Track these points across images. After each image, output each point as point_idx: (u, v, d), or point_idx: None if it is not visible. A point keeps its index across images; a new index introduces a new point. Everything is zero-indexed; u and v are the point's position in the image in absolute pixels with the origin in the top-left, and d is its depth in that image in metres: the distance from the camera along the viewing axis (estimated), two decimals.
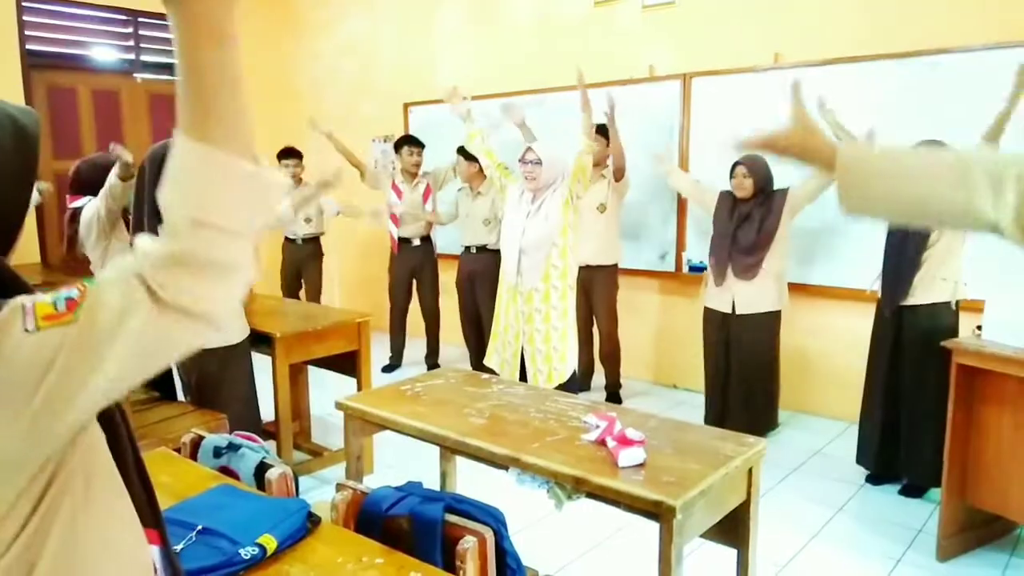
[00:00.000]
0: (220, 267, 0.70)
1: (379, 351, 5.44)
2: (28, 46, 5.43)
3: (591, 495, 1.82)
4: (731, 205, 3.77)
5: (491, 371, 3.46)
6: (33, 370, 0.69)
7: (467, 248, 4.92)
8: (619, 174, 4.28)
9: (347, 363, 3.51)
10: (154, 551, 0.91)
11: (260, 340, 3.23)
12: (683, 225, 4.67)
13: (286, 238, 5.61)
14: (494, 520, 1.47)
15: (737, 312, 3.74)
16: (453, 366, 5.12)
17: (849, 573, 2.70)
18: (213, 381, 3.05)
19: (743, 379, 3.80)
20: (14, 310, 0.70)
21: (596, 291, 4.51)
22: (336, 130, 5.12)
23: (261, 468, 1.70)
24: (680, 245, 4.71)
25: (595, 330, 4.66)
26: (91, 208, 3.22)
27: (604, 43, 4.94)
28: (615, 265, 4.52)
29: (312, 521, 1.48)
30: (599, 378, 4.78)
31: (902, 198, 1.01)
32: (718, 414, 3.93)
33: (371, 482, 3.15)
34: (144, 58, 6.10)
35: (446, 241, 5.56)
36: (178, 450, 1.94)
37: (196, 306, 0.70)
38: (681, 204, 4.66)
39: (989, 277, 3.40)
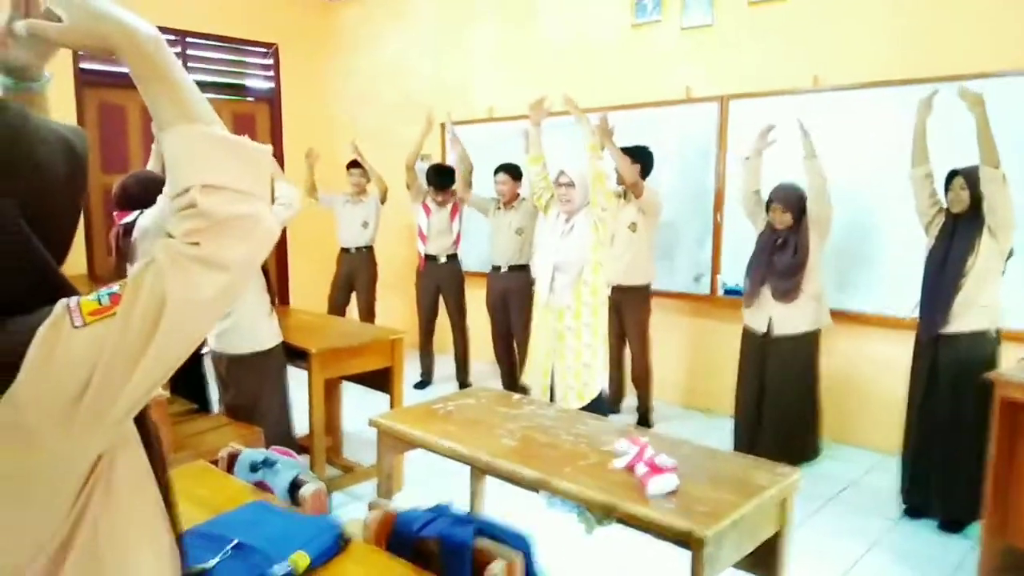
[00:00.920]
0: (238, 221, 0.77)
1: (411, 368, 5.49)
2: (81, 64, 5.63)
3: (621, 521, 1.82)
4: (771, 233, 3.74)
5: (523, 390, 3.47)
6: (84, 367, 0.72)
7: (496, 268, 4.95)
8: (636, 191, 4.26)
9: (381, 379, 3.55)
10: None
11: (297, 355, 3.28)
12: (718, 247, 4.64)
13: (342, 248, 5.64)
14: (524, 544, 1.47)
15: (774, 333, 3.70)
16: (483, 384, 5.20)
17: None
18: (248, 394, 3.11)
19: (777, 403, 3.74)
20: (63, 310, 0.73)
21: (627, 312, 4.49)
22: (366, 147, 5.40)
23: (295, 484, 1.73)
24: (715, 267, 4.68)
25: (626, 351, 4.64)
26: (148, 217, 3.31)
27: (641, 65, 4.96)
28: (648, 286, 4.50)
29: (344, 540, 1.50)
30: (630, 400, 4.75)
31: None
32: (748, 439, 3.88)
33: (401, 499, 3.20)
34: (192, 77, 6.25)
35: (475, 260, 5.60)
36: (216, 462, 1.98)
37: (220, 254, 0.75)
38: (716, 226, 4.63)
39: None
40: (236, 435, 2.98)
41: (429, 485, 3.42)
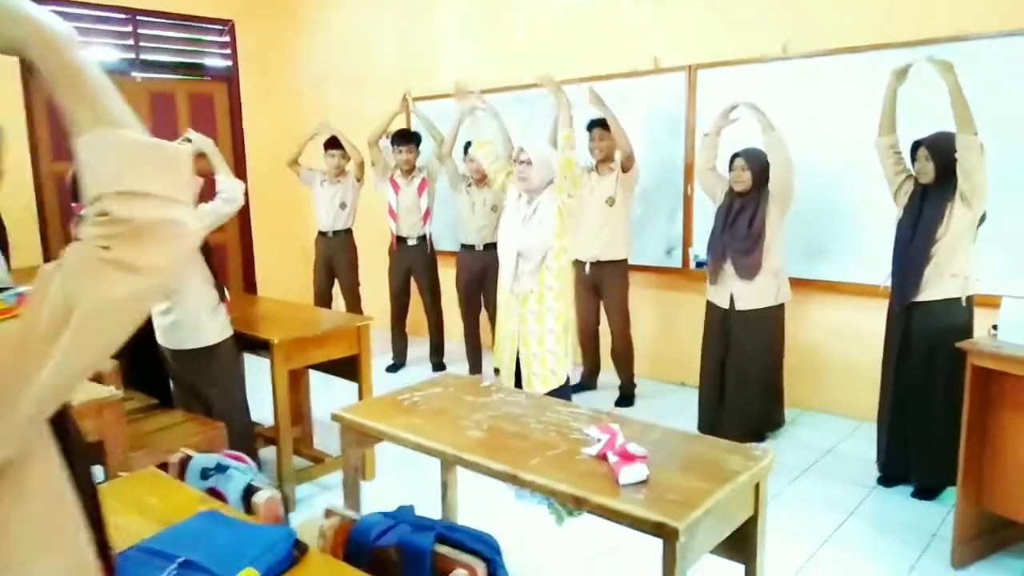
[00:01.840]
0: (155, 226, 0.72)
1: (386, 349, 5.41)
2: None
3: (592, 512, 1.76)
4: (730, 201, 3.70)
5: (496, 371, 3.40)
6: None
7: (469, 247, 4.85)
8: (627, 163, 4.18)
9: (349, 367, 3.45)
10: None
11: (259, 346, 3.18)
12: (690, 220, 4.58)
13: (319, 232, 5.43)
14: (488, 548, 1.40)
15: (736, 308, 3.68)
16: (459, 365, 5.13)
17: None
18: (198, 390, 3.02)
19: (741, 377, 3.73)
20: None
21: (606, 287, 4.43)
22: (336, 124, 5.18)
23: (249, 490, 1.65)
24: (687, 240, 4.62)
25: (604, 326, 4.59)
26: None
27: (607, 34, 4.84)
28: (625, 260, 4.43)
29: (299, 550, 1.42)
30: (606, 376, 4.71)
31: None
32: (712, 413, 3.88)
33: (371, 489, 3.13)
34: (144, 57, 6.05)
35: (447, 240, 5.48)
36: (166, 466, 1.89)
37: (140, 260, 0.71)
38: (687, 198, 4.57)
39: (997, 270, 3.33)
40: (195, 432, 2.89)
41: (401, 474, 3.36)
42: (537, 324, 3.14)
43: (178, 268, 0.77)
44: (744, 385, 3.73)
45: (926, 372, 3.07)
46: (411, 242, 5.14)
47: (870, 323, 3.67)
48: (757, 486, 1.88)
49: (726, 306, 3.72)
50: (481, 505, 2.83)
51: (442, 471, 2.62)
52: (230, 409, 3.08)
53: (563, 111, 3.25)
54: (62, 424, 0.81)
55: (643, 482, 1.77)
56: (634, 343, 4.56)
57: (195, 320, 2.93)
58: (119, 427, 2.56)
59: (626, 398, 4.53)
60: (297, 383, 3.85)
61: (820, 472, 3.50)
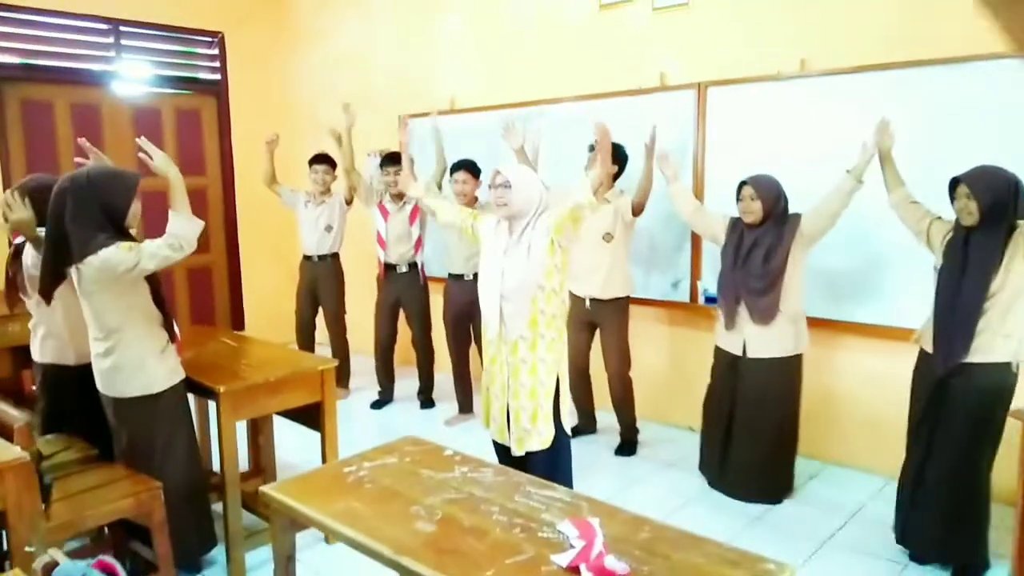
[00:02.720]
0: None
1: (372, 383, 5.04)
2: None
3: None
4: (739, 235, 3.31)
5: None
6: None
7: (458, 276, 4.47)
8: (638, 209, 3.82)
9: (314, 415, 3.08)
10: None
11: (206, 393, 2.83)
12: (698, 250, 4.19)
13: (304, 256, 5.05)
14: None
15: (748, 355, 3.29)
16: (445, 405, 4.74)
17: None
18: (141, 441, 2.67)
19: (750, 431, 3.34)
20: None
21: (604, 327, 4.03)
22: (326, 145, 4.82)
23: None
24: (695, 272, 4.23)
25: (597, 366, 4.19)
26: (30, 256, 2.83)
27: (611, 50, 4.49)
28: (626, 298, 4.03)
29: None
30: (607, 418, 4.31)
31: None
32: (713, 469, 3.51)
33: (334, 554, 2.71)
34: (127, 69, 5.76)
35: (437, 267, 5.11)
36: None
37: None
38: None
39: None
40: (130, 492, 2.53)
41: (344, 569, 2.89)
42: (529, 375, 2.76)
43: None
44: (754, 442, 3.33)
45: (969, 442, 2.62)
46: (401, 269, 4.78)
47: (893, 369, 3.27)
48: None
49: (738, 352, 3.33)
50: None
51: None
52: (175, 464, 2.73)
53: (597, 177, 2.79)
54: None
55: None
56: (638, 383, 4.15)
57: (139, 364, 2.59)
58: (27, 495, 2.21)
59: (627, 445, 4.13)
60: (261, 428, 3.49)
61: (844, 544, 3.07)
